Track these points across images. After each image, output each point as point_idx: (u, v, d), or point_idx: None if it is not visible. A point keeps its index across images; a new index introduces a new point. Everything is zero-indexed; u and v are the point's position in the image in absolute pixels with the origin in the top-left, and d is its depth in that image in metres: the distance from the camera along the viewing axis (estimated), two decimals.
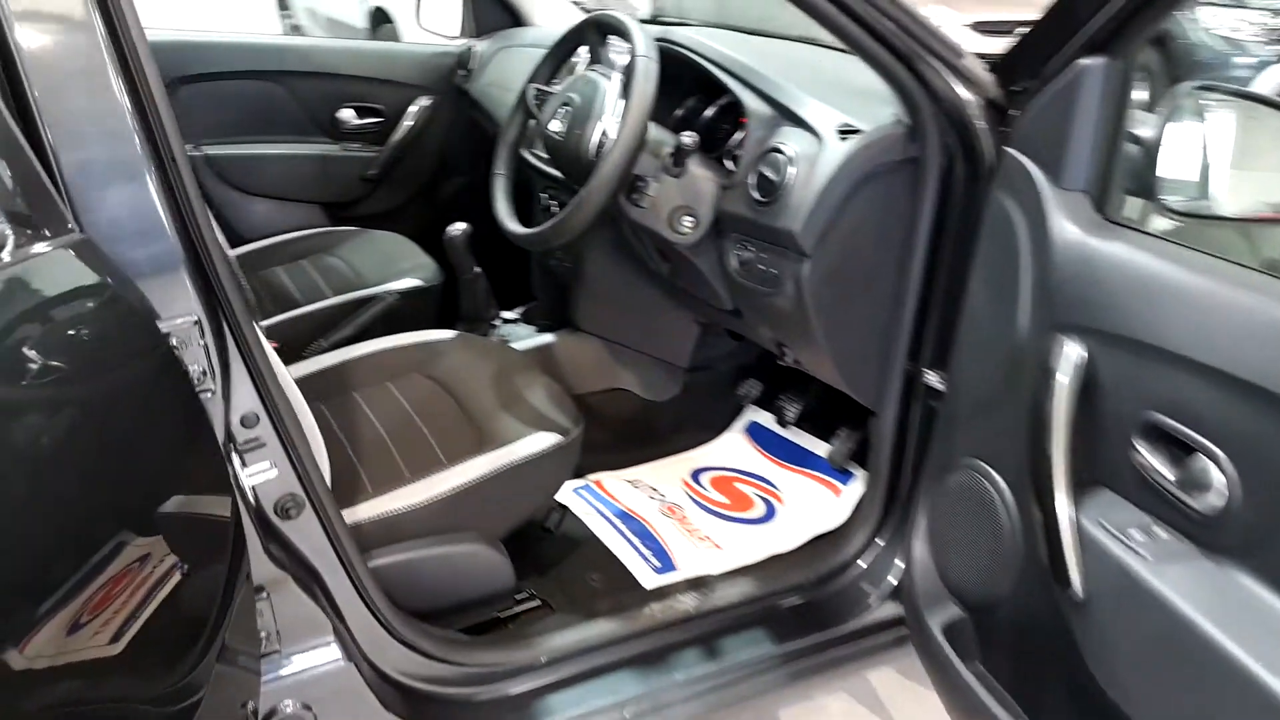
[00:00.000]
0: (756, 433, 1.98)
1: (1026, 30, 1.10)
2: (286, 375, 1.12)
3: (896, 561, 1.42)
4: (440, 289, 1.99)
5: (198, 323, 0.89)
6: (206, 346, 0.90)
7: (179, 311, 0.87)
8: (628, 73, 1.37)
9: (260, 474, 0.99)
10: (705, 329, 1.98)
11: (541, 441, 1.38)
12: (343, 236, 2.17)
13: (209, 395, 0.91)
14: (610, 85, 1.41)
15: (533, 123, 1.61)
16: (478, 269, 1.87)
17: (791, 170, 1.32)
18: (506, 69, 2.18)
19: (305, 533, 1.01)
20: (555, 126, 1.49)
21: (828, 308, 1.38)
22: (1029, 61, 1.09)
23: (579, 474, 1.83)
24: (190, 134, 2.13)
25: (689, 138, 1.37)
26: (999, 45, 1.21)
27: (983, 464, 1.15)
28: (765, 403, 2.00)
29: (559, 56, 1.60)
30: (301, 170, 2.28)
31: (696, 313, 1.92)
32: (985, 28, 4.50)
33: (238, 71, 2.15)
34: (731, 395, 2.03)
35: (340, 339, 1.80)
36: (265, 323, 1.77)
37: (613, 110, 1.39)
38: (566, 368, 1.93)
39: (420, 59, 2.38)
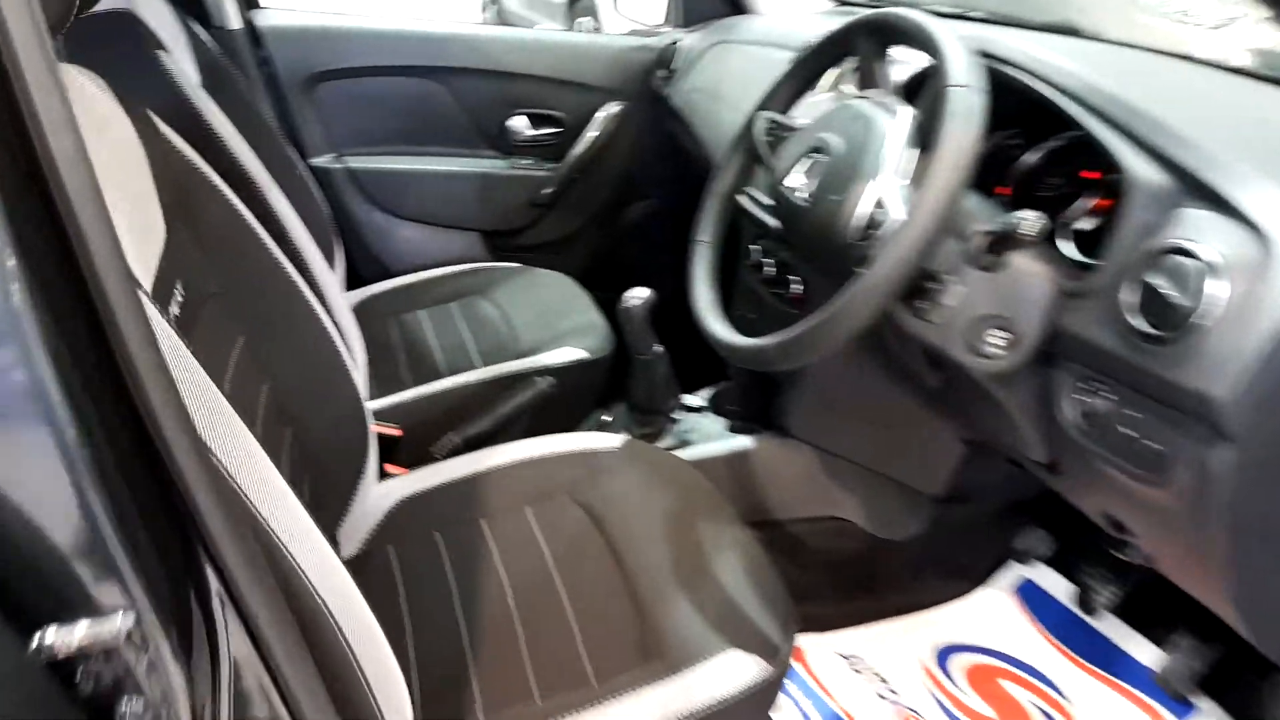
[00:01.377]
0: (1034, 598, 1.40)
1: None
2: (356, 599, 0.71)
3: None
4: (609, 360, 1.53)
5: (131, 633, 0.45)
6: (153, 660, 0.47)
7: (86, 610, 0.44)
8: (929, 109, 0.84)
9: None
10: (973, 447, 1.42)
11: (737, 672, 0.89)
12: (501, 276, 1.76)
13: None
14: (893, 126, 0.88)
15: (760, 169, 1.11)
16: (659, 347, 1.39)
17: (1215, 290, 0.75)
18: (719, 71, 1.69)
19: None
20: (797, 182, 0.98)
21: (1249, 518, 0.81)
22: None
23: None
24: (330, 141, 1.79)
25: (1033, 221, 0.83)
26: None
27: None
28: (1062, 567, 1.41)
29: (807, 73, 1.08)
30: (460, 191, 1.88)
31: (965, 428, 1.36)
32: None
33: (390, 66, 1.77)
34: (1000, 542, 1.46)
35: (479, 433, 1.39)
36: (392, 400, 1.37)
37: (895, 168, 0.87)
38: (767, 484, 1.43)
39: (612, 55, 1.92)
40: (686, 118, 1.76)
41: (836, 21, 1.08)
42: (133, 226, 0.73)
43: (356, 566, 1.06)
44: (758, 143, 1.09)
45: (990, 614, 1.40)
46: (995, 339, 0.93)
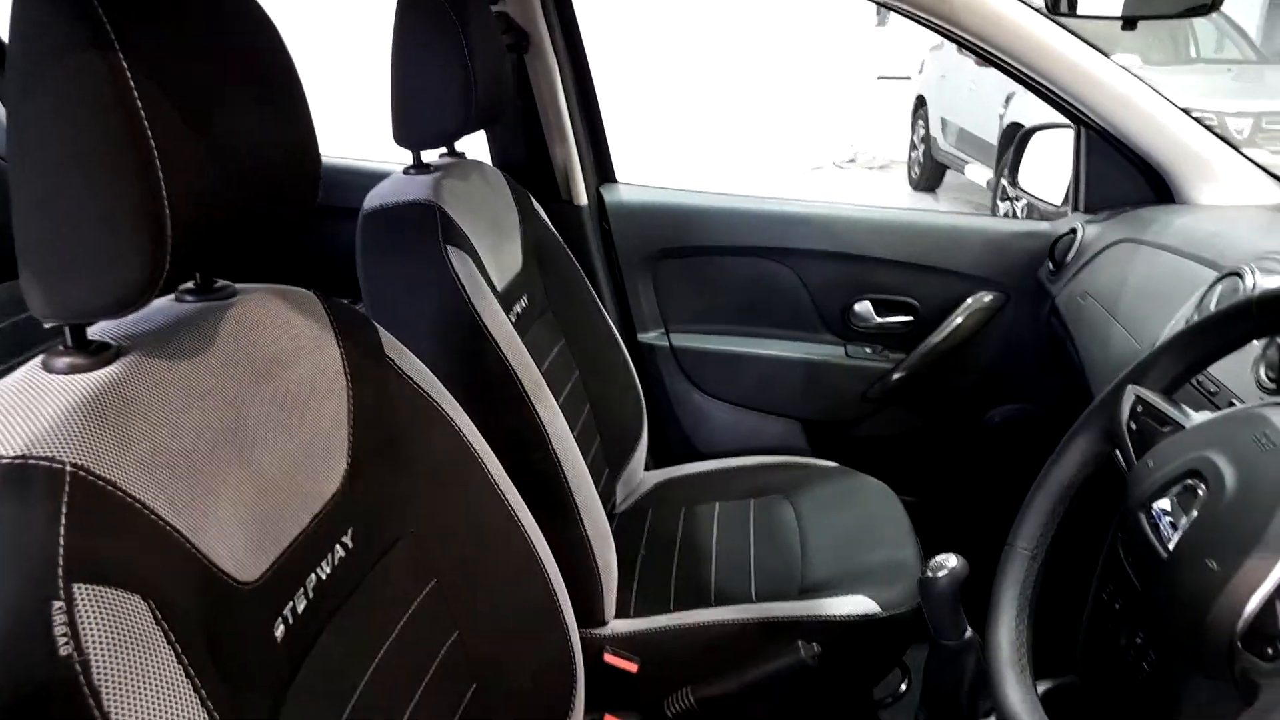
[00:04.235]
0: None
1: None
2: None
3: None
4: (907, 620, 1.23)
5: None
6: None
7: None
8: None
9: None
10: None
11: None
12: (813, 477, 1.53)
13: None
14: None
15: (1119, 462, 0.78)
16: (970, 632, 1.06)
17: None
18: (1117, 277, 1.33)
19: None
20: (1164, 507, 0.66)
21: None
22: None
23: None
24: (661, 317, 1.74)
25: None
26: None
27: None
28: None
29: (1209, 344, 0.75)
30: (787, 377, 1.71)
31: None
32: None
33: (734, 246, 1.68)
34: None
35: (720, 695, 1.17)
36: (643, 624, 1.21)
37: None
38: None
39: (990, 240, 1.64)
40: (1070, 325, 1.42)
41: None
42: (279, 485, 0.66)
43: None
44: (1119, 430, 0.76)
45: None
46: None
